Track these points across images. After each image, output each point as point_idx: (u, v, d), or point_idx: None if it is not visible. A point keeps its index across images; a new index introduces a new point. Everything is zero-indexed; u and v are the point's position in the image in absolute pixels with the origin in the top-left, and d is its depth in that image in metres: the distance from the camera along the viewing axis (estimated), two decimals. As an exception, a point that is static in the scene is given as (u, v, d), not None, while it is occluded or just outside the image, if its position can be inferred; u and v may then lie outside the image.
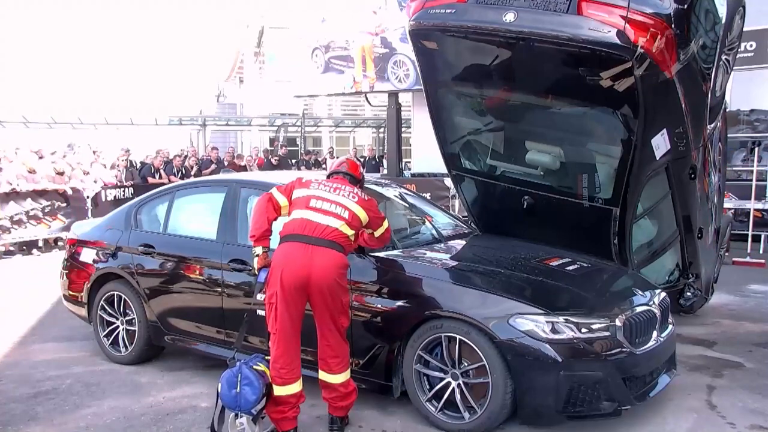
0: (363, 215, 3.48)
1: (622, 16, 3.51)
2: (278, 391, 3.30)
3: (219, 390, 3.24)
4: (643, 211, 4.68)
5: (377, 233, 3.65)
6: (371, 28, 13.29)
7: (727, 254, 7.56)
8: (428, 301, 3.53)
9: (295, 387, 3.34)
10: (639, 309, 3.58)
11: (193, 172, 12.63)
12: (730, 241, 7.74)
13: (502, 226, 4.99)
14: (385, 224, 3.67)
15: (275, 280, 3.28)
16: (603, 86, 3.79)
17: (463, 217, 5.88)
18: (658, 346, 3.60)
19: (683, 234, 4.92)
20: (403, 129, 15.19)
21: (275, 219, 3.49)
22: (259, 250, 3.44)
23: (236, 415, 3.24)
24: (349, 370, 3.46)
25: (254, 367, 3.28)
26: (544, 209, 4.72)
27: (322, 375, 3.43)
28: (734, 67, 4.94)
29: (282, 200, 3.49)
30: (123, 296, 4.71)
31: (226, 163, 13.32)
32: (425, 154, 12.43)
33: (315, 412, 3.66)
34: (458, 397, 3.41)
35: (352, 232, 3.43)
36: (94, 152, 12.98)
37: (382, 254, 3.87)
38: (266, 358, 3.41)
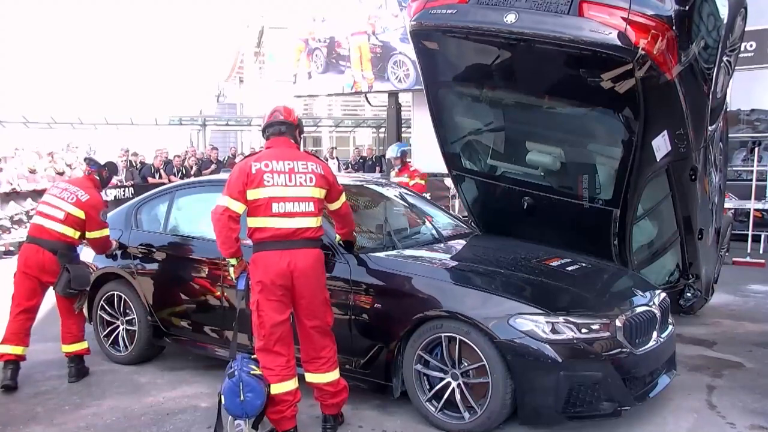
0: (323, 194, 3.40)
1: (623, 18, 3.52)
2: (275, 389, 3.28)
3: (223, 402, 3.20)
4: (644, 212, 4.68)
5: (333, 206, 3.52)
6: (363, 26, 13.31)
7: (727, 254, 7.56)
8: (428, 301, 3.52)
9: (291, 384, 3.31)
10: (639, 309, 3.58)
11: (193, 172, 12.63)
12: (730, 241, 7.75)
13: (502, 226, 4.98)
14: (343, 197, 3.56)
15: (256, 289, 3.25)
16: (604, 87, 3.79)
17: (463, 217, 5.88)
18: (658, 346, 3.60)
19: (683, 235, 4.92)
20: (403, 129, 15.20)
21: (239, 229, 3.34)
22: (233, 261, 3.38)
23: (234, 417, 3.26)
24: (337, 370, 3.42)
25: (252, 372, 3.26)
26: (545, 210, 4.72)
27: (309, 377, 3.41)
28: (735, 68, 4.94)
29: (240, 207, 3.27)
30: (123, 296, 4.71)
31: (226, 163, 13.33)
32: (425, 154, 12.42)
33: (314, 412, 3.65)
34: (458, 397, 3.41)
35: (319, 216, 3.38)
36: (93, 152, 12.98)
37: (381, 254, 3.87)
38: (252, 357, 3.38)
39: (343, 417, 3.58)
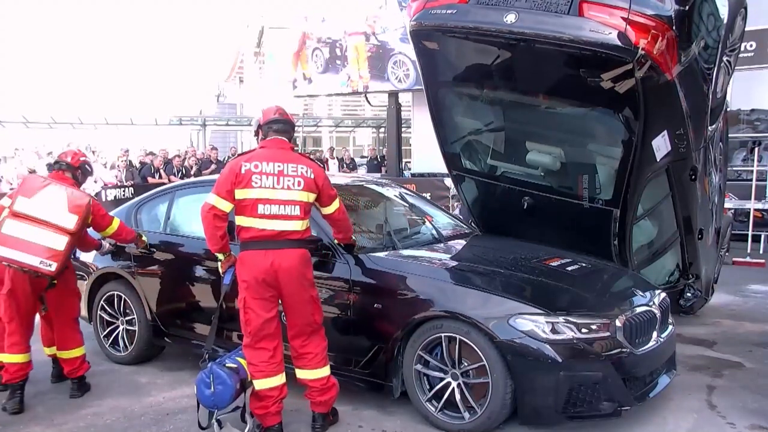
0: (312, 197, 3.38)
1: (623, 18, 3.51)
2: (259, 385, 3.28)
3: (195, 392, 3.28)
4: (644, 212, 4.68)
5: (325, 210, 3.51)
6: (361, 26, 13.35)
7: (727, 254, 7.56)
8: (428, 300, 3.52)
9: (276, 381, 3.31)
10: (639, 309, 3.58)
11: (193, 172, 12.63)
12: (730, 241, 7.74)
13: (502, 226, 4.98)
14: (337, 202, 3.51)
15: (243, 287, 3.27)
16: (604, 87, 3.79)
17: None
18: (658, 346, 3.60)
19: (683, 235, 4.92)
20: (403, 129, 15.20)
21: (226, 227, 3.36)
22: (221, 256, 3.43)
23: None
24: (327, 367, 3.43)
25: (226, 364, 3.29)
26: (545, 210, 4.72)
27: (299, 373, 3.41)
28: (735, 68, 4.94)
29: (226, 206, 3.30)
30: (123, 296, 4.71)
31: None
32: (425, 154, 12.45)
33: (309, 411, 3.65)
34: (458, 397, 3.41)
35: (306, 219, 3.38)
36: (93, 152, 13.00)
37: (381, 254, 3.87)
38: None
39: (337, 417, 3.57)
